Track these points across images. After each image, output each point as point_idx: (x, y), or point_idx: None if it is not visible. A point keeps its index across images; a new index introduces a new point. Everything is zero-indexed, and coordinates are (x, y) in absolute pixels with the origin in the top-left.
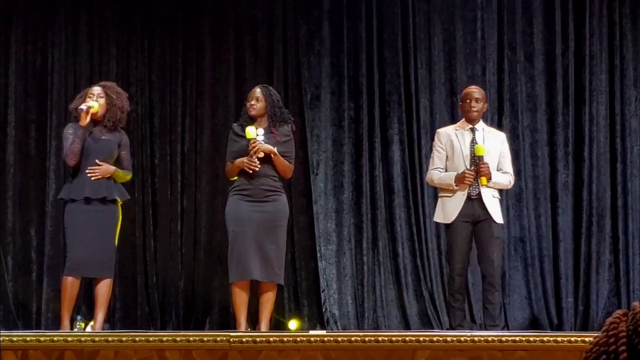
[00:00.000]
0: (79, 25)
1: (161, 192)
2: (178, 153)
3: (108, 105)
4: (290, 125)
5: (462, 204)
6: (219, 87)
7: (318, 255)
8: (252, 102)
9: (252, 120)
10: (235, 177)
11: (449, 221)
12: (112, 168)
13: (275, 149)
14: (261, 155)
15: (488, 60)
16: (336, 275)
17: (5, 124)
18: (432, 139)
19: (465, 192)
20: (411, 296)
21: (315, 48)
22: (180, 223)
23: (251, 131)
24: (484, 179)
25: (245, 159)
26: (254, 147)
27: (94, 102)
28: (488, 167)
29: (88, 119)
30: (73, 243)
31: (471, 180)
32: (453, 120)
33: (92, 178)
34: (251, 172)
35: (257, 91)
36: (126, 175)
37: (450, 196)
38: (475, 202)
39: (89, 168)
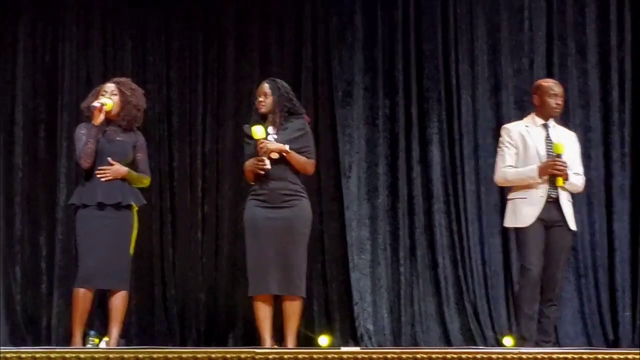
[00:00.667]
0: (92, 17)
1: (180, 197)
2: (198, 155)
3: (122, 103)
4: (303, 118)
5: (541, 205)
6: (243, 83)
7: (350, 265)
8: (261, 99)
9: (263, 118)
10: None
11: (525, 224)
12: (124, 169)
13: (287, 147)
14: (275, 156)
15: (536, 53)
16: (370, 287)
17: (13, 124)
18: (475, 139)
19: (545, 193)
20: (452, 310)
21: (347, 40)
22: (201, 230)
23: (258, 131)
24: (560, 180)
25: (253, 160)
26: (262, 148)
27: (108, 99)
28: (566, 166)
29: (102, 117)
30: (85, 252)
31: (562, 168)
32: (497, 118)
33: (103, 179)
34: (263, 173)
35: (265, 86)
36: (143, 179)
37: (524, 198)
38: (552, 204)
39: (98, 168)
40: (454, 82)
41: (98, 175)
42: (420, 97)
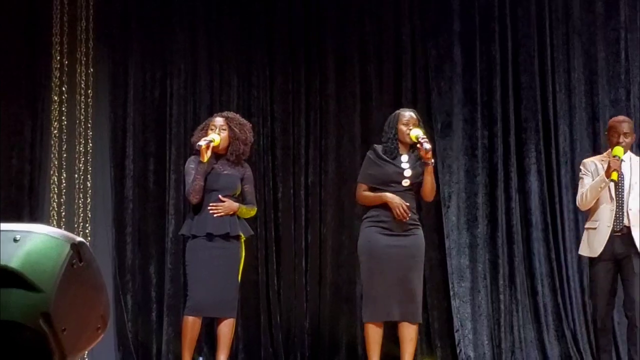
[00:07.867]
0: (198, 54)
1: (284, 227)
2: (302, 186)
3: (231, 139)
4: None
5: (606, 238)
6: (344, 116)
7: (451, 293)
8: (410, 127)
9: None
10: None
11: (594, 255)
12: (236, 205)
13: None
14: (406, 183)
15: (632, 84)
16: (471, 315)
17: (124, 157)
18: (573, 169)
19: (610, 226)
20: (552, 337)
21: (445, 73)
22: (305, 259)
23: (417, 133)
24: (614, 174)
25: (401, 204)
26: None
27: (216, 135)
28: (620, 162)
29: (208, 154)
30: (194, 281)
31: (616, 164)
32: (594, 148)
33: (215, 215)
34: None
35: (413, 116)
36: (250, 211)
37: (594, 228)
38: (618, 238)
39: (210, 204)
40: (551, 113)
41: (211, 212)
42: (518, 128)
